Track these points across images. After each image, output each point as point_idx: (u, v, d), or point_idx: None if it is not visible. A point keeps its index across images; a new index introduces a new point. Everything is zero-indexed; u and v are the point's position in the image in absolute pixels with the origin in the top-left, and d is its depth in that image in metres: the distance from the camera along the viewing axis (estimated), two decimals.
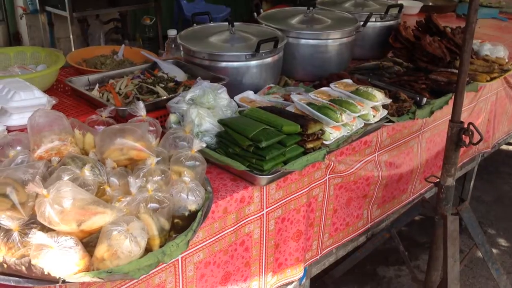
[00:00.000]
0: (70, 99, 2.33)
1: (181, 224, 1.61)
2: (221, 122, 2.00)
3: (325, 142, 2.11)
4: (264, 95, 2.46)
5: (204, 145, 1.76)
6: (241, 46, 2.54)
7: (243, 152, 1.91)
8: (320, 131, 2.06)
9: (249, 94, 2.42)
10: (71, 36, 5.24)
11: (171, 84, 2.35)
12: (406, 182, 2.77)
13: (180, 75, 2.51)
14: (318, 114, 2.12)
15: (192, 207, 1.62)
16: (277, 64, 2.60)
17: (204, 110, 2.04)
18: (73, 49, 5.27)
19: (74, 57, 2.74)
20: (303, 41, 2.78)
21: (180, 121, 2.10)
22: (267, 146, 1.87)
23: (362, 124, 2.28)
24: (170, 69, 2.54)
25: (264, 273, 2.11)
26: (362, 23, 2.99)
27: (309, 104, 2.18)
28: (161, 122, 2.18)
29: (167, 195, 1.56)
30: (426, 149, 2.85)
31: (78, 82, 2.37)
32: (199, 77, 2.22)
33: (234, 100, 2.30)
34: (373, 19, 3.17)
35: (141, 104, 1.90)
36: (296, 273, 2.22)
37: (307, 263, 2.34)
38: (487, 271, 3.16)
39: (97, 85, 2.38)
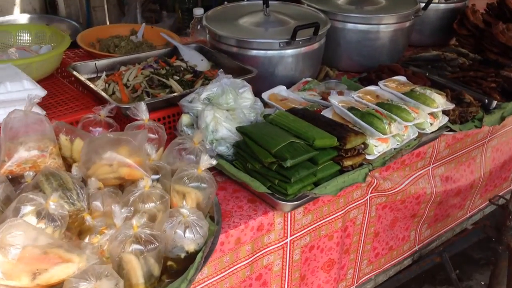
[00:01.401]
0: (73, 89, 2.00)
1: (175, 267, 1.29)
2: (240, 130, 1.64)
3: (367, 157, 1.72)
4: (298, 91, 2.07)
5: (214, 162, 1.41)
6: (275, 32, 2.15)
7: (265, 169, 1.55)
8: (362, 145, 1.67)
9: (281, 90, 2.04)
10: (105, 6, 4.94)
11: (188, 76, 1.99)
12: (464, 198, 2.35)
13: (202, 64, 2.15)
14: (361, 122, 1.72)
15: (190, 247, 1.29)
16: (317, 54, 2.20)
17: (222, 113, 1.69)
18: (107, 20, 4.98)
19: (87, 37, 2.42)
20: (350, 25, 2.37)
21: (194, 123, 1.75)
22: (294, 165, 1.50)
23: (416, 134, 1.86)
24: (191, 56, 2.18)
25: None
26: (422, 5, 2.52)
27: (351, 109, 1.78)
28: (173, 121, 1.85)
29: (157, 232, 1.23)
30: (491, 160, 2.39)
31: (84, 68, 2.05)
32: (221, 70, 1.86)
33: (262, 98, 1.93)
34: (436, 0, 2.70)
35: (142, 106, 1.56)
36: None
37: None
38: None
39: (105, 72, 2.05)
